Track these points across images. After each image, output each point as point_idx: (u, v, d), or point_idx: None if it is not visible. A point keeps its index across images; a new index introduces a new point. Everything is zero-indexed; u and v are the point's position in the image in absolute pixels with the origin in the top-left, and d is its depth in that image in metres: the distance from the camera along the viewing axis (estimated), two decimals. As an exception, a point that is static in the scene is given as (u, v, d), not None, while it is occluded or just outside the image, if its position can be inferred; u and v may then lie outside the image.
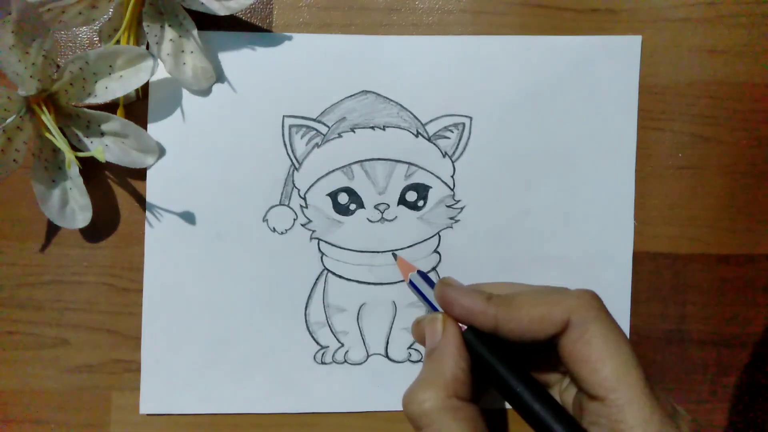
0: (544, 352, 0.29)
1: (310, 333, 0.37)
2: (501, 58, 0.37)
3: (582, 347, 0.26)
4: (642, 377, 0.25)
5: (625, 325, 0.37)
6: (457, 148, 0.37)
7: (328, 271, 0.37)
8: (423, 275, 0.32)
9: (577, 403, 0.28)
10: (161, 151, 0.36)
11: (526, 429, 0.27)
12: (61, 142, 0.32)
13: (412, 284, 0.32)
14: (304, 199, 0.37)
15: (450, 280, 0.31)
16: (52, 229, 0.37)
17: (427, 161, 0.37)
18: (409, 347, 0.37)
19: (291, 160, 0.37)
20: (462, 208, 0.37)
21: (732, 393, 0.38)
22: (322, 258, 0.37)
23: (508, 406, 0.37)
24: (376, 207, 0.37)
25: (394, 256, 0.37)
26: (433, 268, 0.37)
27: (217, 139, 0.36)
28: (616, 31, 0.37)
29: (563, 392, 0.30)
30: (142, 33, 0.35)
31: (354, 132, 0.37)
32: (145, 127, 0.36)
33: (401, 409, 0.28)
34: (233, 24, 0.37)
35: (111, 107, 0.35)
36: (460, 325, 0.29)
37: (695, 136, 0.38)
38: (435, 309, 0.31)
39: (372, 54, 0.37)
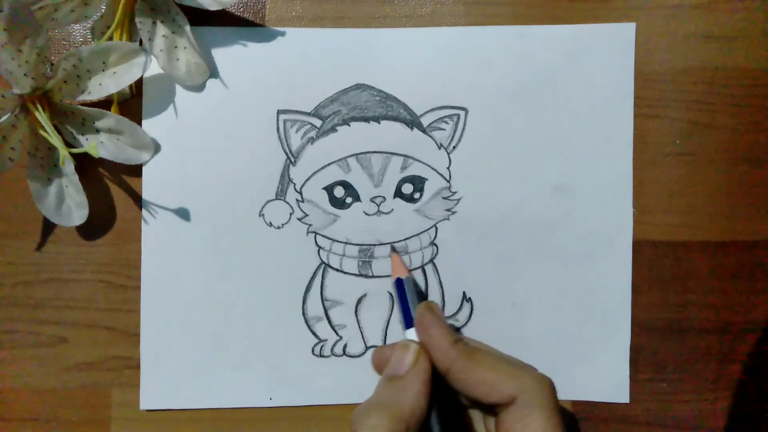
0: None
1: (309, 326, 0.37)
2: (495, 49, 0.37)
3: (519, 428, 0.26)
4: None
5: (626, 315, 0.37)
6: (452, 139, 0.37)
7: (326, 264, 0.37)
8: (415, 284, 0.32)
9: None
10: (156, 148, 0.36)
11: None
12: (55, 140, 0.32)
13: (398, 285, 0.32)
14: (300, 193, 0.37)
15: (435, 307, 0.31)
16: (49, 227, 0.37)
17: (423, 153, 0.37)
18: (408, 340, 0.37)
19: (286, 155, 0.37)
20: (458, 200, 0.37)
21: (735, 381, 0.37)
22: (319, 252, 0.37)
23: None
24: (372, 200, 0.37)
25: (394, 248, 0.37)
26: (431, 260, 0.37)
27: (212, 135, 0.36)
28: (609, 18, 0.37)
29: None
30: (134, 29, 0.35)
31: (349, 125, 0.37)
32: (139, 124, 0.36)
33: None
34: (226, 18, 0.37)
35: (105, 104, 0.35)
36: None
37: (692, 122, 0.37)
38: (407, 319, 0.31)
39: (365, 47, 0.37)
